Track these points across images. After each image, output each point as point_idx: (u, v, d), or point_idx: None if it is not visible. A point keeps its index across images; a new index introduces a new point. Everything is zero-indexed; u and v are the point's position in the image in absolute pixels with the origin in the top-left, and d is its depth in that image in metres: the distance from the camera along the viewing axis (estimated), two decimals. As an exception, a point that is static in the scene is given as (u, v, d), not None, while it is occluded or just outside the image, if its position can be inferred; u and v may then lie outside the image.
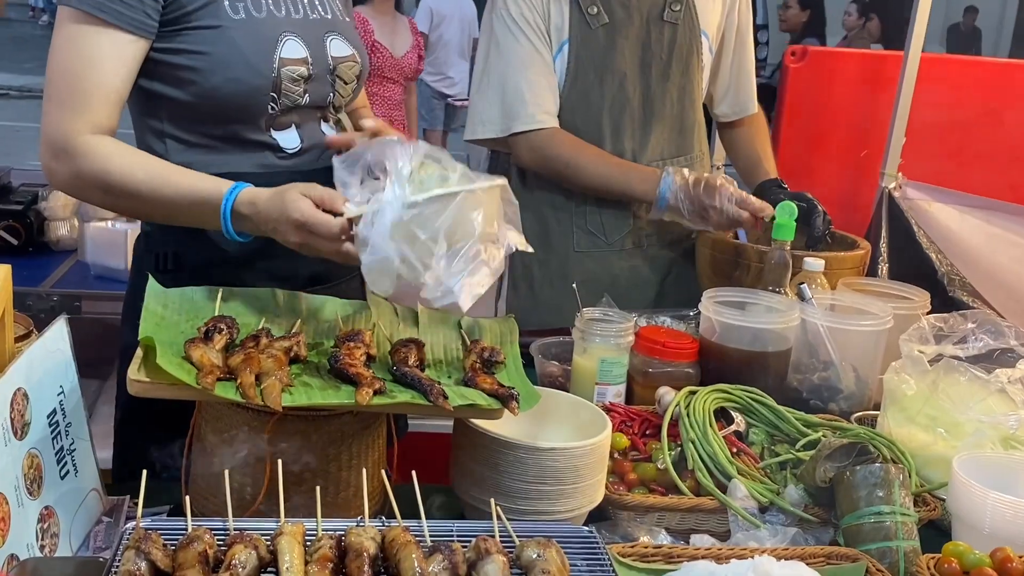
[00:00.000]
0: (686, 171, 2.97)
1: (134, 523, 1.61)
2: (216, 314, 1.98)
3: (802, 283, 2.66)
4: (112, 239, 4.09)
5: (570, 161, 3.08)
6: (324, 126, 2.35)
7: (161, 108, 2.21)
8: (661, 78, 3.13)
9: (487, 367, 2.01)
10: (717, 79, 3.36)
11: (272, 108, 2.20)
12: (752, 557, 1.77)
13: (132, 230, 3.87)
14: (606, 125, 3.12)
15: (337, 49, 2.32)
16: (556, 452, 1.91)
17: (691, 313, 2.79)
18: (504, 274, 3.41)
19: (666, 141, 3.15)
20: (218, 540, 1.58)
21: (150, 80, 2.17)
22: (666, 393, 2.34)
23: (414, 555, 1.56)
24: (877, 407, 2.48)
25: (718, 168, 4.49)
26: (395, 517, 1.71)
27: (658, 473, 2.15)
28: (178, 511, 1.86)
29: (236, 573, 1.51)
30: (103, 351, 2.36)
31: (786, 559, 1.79)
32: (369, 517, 1.71)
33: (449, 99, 10.21)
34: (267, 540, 1.58)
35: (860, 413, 2.51)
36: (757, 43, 3.48)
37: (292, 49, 2.20)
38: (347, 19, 2.41)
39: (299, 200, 1.92)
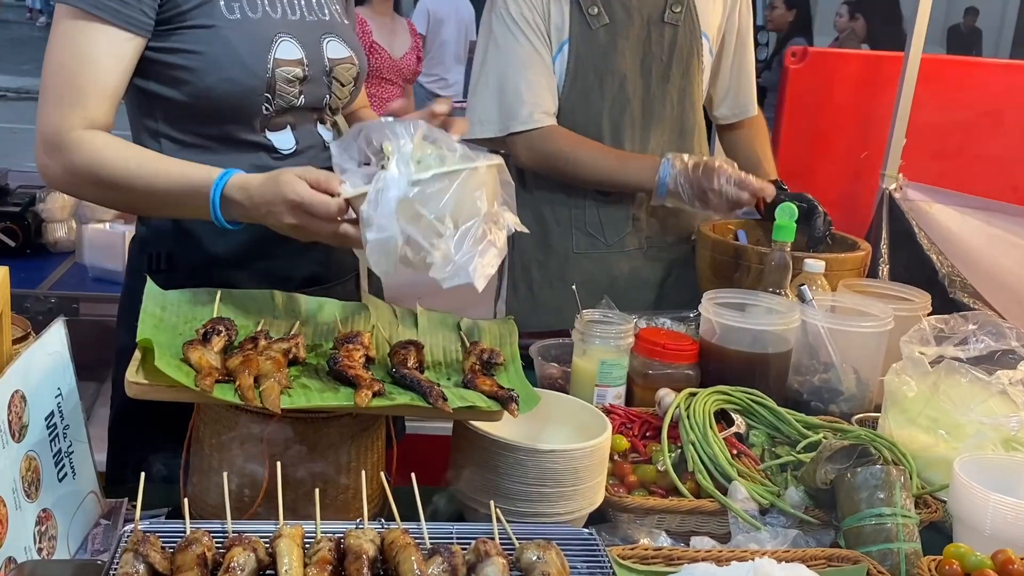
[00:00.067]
0: (685, 156, 2.97)
1: (132, 526, 1.61)
2: (214, 316, 1.97)
3: (802, 284, 2.65)
4: (110, 241, 4.09)
5: (569, 156, 3.07)
6: (320, 128, 2.35)
7: (156, 108, 2.21)
8: (661, 80, 3.13)
9: (487, 369, 2.01)
10: (717, 81, 3.36)
11: (267, 109, 2.20)
12: (753, 559, 1.77)
13: (130, 232, 3.84)
14: (606, 126, 3.12)
15: (334, 51, 2.32)
16: (556, 454, 1.90)
17: (691, 315, 2.79)
18: (503, 276, 3.41)
19: (666, 143, 3.15)
20: (217, 542, 1.58)
21: (145, 79, 2.17)
22: (666, 395, 2.34)
23: (413, 557, 1.56)
24: (878, 409, 2.48)
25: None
26: (394, 519, 1.70)
27: (658, 475, 2.14)
28: (176, 514, 1.85)
29: (235, 576, 1.51)
30: (101, 353, 2.36)
31: (787, 561, 1.79)
32: (368, 519, 1.71)
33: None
34: (266, 542, 1.58)
35: (861, 415, 2.51)
36: (757, 44, 3.48)
37: (287, 50, 2.20)
38: (346, 21, 2.41)
39: (295, 181, 1.89)
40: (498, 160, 1.97)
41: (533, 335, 2.72)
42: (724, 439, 2.19)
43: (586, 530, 1.81)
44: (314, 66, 2.25)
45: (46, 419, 1.77)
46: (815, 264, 2.71)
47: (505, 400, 1.87)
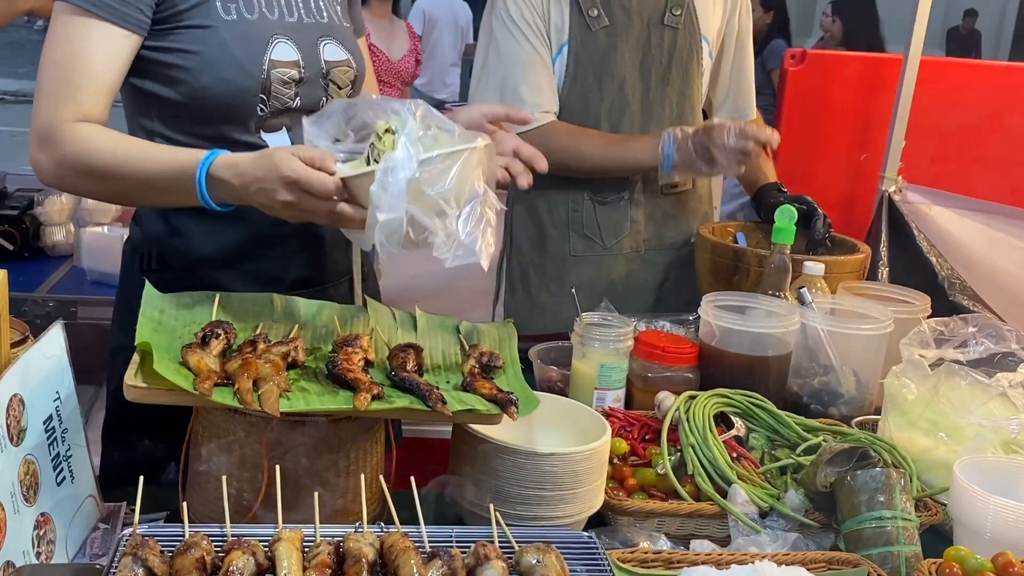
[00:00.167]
0: (685, 127, 2.98)
1: (131, 529, 1.61)
2: (213, 319, 1.97)
3: (802, 287, 2.65)
4: (108, 244, 4.08)
5: (570, 150, 3.06)
6: None
7: (152, 107, 2.21)
8: (661, 82, 3.12)
9: (486, 372, 2.00)
10: (717, 84, 3.36)
11: (261, 110, 2.20)
12: (752, 562, 1.77)
13: (127, 235, 3.86)
14: (604, 128, 3.11)
15: (331, 53, 2.32)
16: (555, 457, 1.90)
17: (690, 318, 2.78)
18: (501, 279, 3.41)
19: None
20: (216, 546, 1.57)
21: (142, 79, 2.18)
22: (665, 398, 2.33)
23: (413, 561, 1.55)
24: (878, 411, 2.48)
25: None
26: (393, 523, 1.70)
27: (658, 478, 2.14)
28: (175, 518, 1.85)
29: (233, 580, 1.50)
30: (99, 357, 2.35)
31: (787, 564, 1.79)
32: (367, 523, 1.71)
33: (446, 105, 10.20)
34: (265, 546, 1.58)
35: (861, 418, 2.51)
36: (755, 46, 3.48)
37: (283, 51, 2.20)
38: (345, 24, 2.41)
39: (290, 158, 1.86)
40: (487, 139, 1.97)
41: (532, 338, 2.71)
42: (724, 442, 2.19)
43: (586, 533, 1.81)
44: (310, 68, 2.25)
45: (44, 423, 1.77)
46: (815, 267, 2.71)
47: (504, 403, 1.87)
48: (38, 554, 1.68)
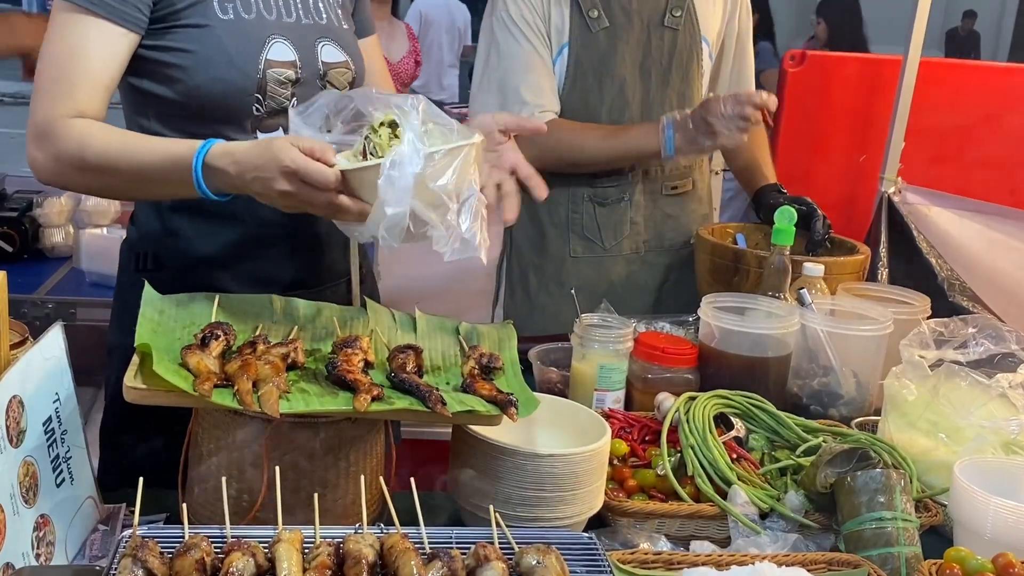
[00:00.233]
0: (683, 110, 2.99)
1: (131, 531, 1.60)
2: (212, 320, 1.97)
3: (802, 288, 2.65)
4: (107, 246, 4.07)
5: (572, 144, 3.06)
6: None
7: (149, 106, 2.22)
8: (661, 84, 3.12)
9: (486, 373, 2.00)
10: (716, 85, 3.36)
11: (257, 110, 2.20)
12: (753, 563, 1.77)
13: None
14: (604, 130, 3.11)
15: (329, 55, 2.32)
16: (555, 458, 1.90)
17: (690, 319, 2.78)
18: (501, 280, 3.41)
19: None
20: (216, 548, 1.57)
21: (139, 78, 2.19)
22: (665, 399, 2.33)
23: (413, 562, 1.55)
24: (878, 412, 2.48)
25: (716, 174, 4.48)
26: (393, 524, 1.70)
27: (657, 479, 2.14)
28: (175, 519, 1.85)
29: (233, 581, 1.50)
30: (98, 358, 2.36)
31: (787, 565, 1.79)
32: (367, 524, 1.70)
33: (444, 107, 10.17)
34: (265, 547, 1.57)
35: (861, 419, 2.51)
36: (755, 48, 3.48)
37: (279, 52, 2.21)
38: (346, 26, 2.41)
39: (289, 148, 1.85)
40: (483, 136, 1.99)
41: (531, 339, 2.71)
42: (723, 443, 2.18)
43: (586, 534, 1.81)
44: (307, 69, 2.26)
45: (44, 424, 1.77)
46: (814, 268, 2.71)
47: (504, 404, 1.86)
48: (38, 556, 1.68)
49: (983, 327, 2.47)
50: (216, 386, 1.75)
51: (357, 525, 1.70)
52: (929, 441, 2.26)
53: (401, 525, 1.69)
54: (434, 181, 1.84)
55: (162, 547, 1.55)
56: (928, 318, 2.68)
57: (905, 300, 2.82)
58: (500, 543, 1.68)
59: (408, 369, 1.93)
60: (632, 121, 3.11)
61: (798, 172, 4.73)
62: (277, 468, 1.72)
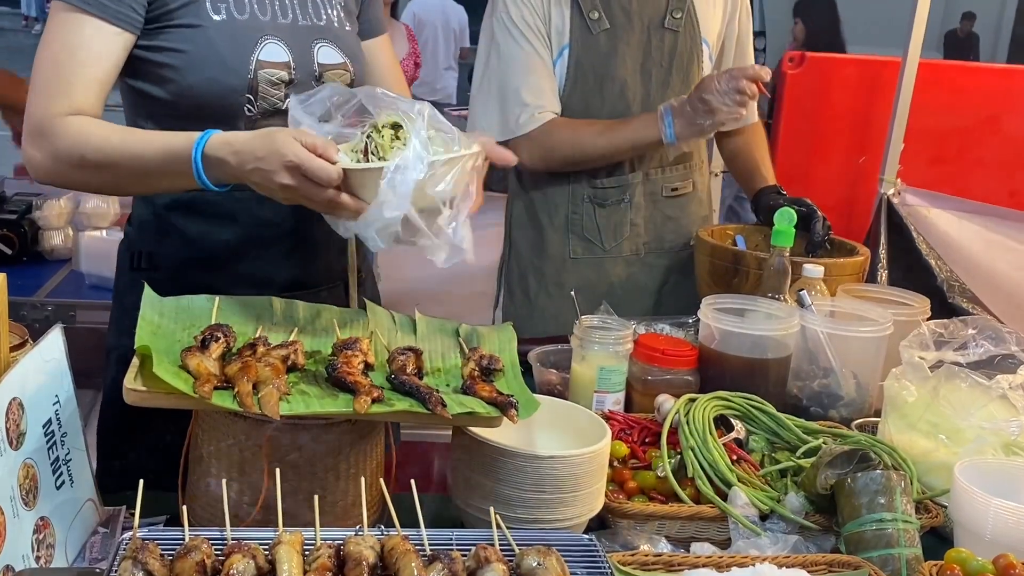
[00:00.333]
0: (680, 96, 3.00)
1: (131, 533, 1.60)
2: (212, 322, 1.96)
3: (801, 289, 2.65)
4: (106, 248, 4.06)
5: (572, 141, 3.07)
6: None
7: (144, 107, 2.24)
8: (661, 85, 3.12)
9: (486, 375, 2.00)
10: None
11: (249, 110, 2.21)
12: (753, 565, 1.77)
13: (124, 237, 3.87)
14: (605, 131, 3.11)
15: (326, 56, 2.32)
16: (555, 460, 1.89)
17: (690, 320, 2.78)
18: (500, 282, 3.41)
19: (665, 148, 3.14)
20: (216, 550, 1.57)
21: (135, 79, 2.21)
22: (665, 400, 2.33)
23: (413, 564, 1.55)
24: (878, 414, 2.48)
25: (716, 175, 4.49)
26: (394, 526, 1.70)
27: (658, 481, 2.13)
28: (175, 521, 1.85)
29: (234, 583, 1.50)
30: (98, 361, 2.36)
31: (787, 567, 1.79)
32: (368, 526, 1.70)
33: (443, 110, 10.16)
34: (265, 550, 1.57)
35: (861, 420, 2.50)
36: (756, 50, 3.48)
37: (272, 52, 2.21)
38: (347, 27, 2.40)
39: (292, 142, 1.86)
40: (482, 146, 2.01)
41: (531, 341, 2.71)
42: (724, 445, 2.18)
43: (586, 536, 1.81)
44: (302, 70, 2.26)
45: (44, 427, 1.76)
46: (814, 269, 2.71)
47: (504, 406, 1.86)
48: (37, 558, 1.68)
49: (983, 328, 2.47)
50: (216, 388, 1.75)
51: (357, 527, 1.70)
52: (929, 442, 2.26)
53: (401, 527, 1.69)
54: (432, 187, 1.87)
55: (162, 549, 1.55)
56: (928, 319, 2.68)
57: (905, 301, 2.82)
58: (501, 545, 1.68)
59: (408, 371, 1.93)
60: (633, 123, 3.11)
61: (797, 173, 4.74)
62: (277, 470, 1.72)
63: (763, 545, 1.95)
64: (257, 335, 1.97)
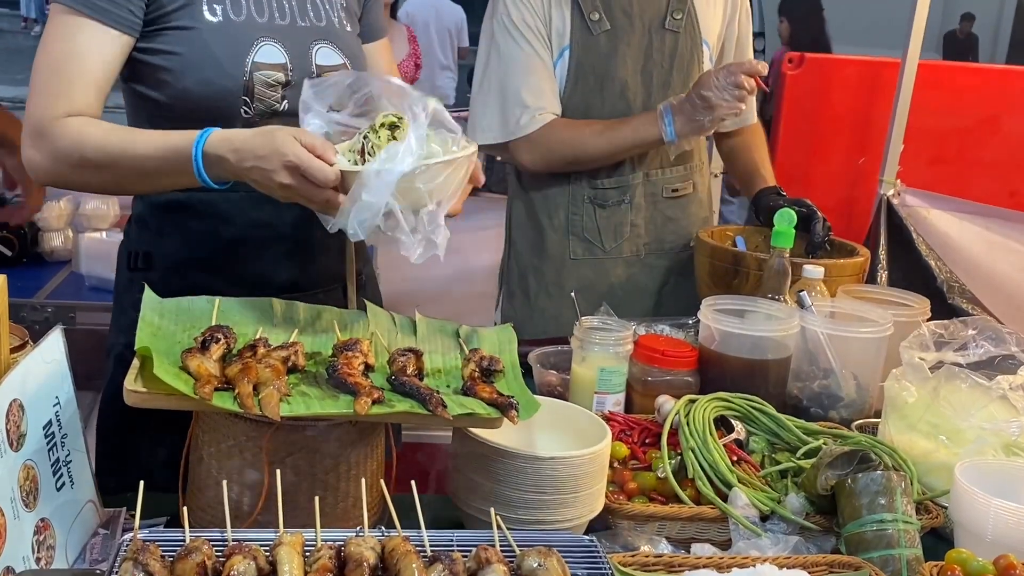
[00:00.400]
0: (679, 95, 3.01)
1: (131, 534, 1.60)
2: (213, 324, 1.96)
3: (801, 290, 2.65)
4: (106, 250, 4.07)
5: (572, 143, 3.07)
6: None
7: (143, 109, 2.24)
8: (662, 86, 3.12)
9: (486, 376, 2.00)
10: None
11: (246, 112, 2.20)
12: (754, 566, 1.77)
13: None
14: (606, 133, 3.11)
15: (324, 58, 2.31)
16: (556, 461, 1.90)
17: (690, 321, 2.78)
18: (500, 283, 3.41)
19: (665, 150, 3.14)
20: (216, 551, 1.57)
21: (134, 81, 2.22)
22: (665, 402, 2.33)
23: (414, 565, 1.55)
24: (878, 415, 2.48)
25: (716, 176, 4.48)
26: (395, 527, 1.70)
27: (658, 482, 2.13)
28: (175, 523, 1.84)
29: (234, 584, 1.50)
30: (98, 362, 2.36)
31: (788, 568, 1.79)
32: (368, 527, 1.70)
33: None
34: (266, 551, 1.57)
35: (861, 421, 2.51)
36: (755, 51, 3.48)
37: (268, 54, 2.21)
38: (348, 28, 2.40)
39: (293, 142, 1.88)
40: (476, 147, 2.03)
41: (531, 342, 2.71)
42: (724, 445, 2.18)
43: (587, 537, 1.81)
44: (299, 72, 2.25)
45: (44, 428, 1.76)
46: (814, 270, 2.71)
47: (505, 407, 1.86)
48: (38, 560, 1.68)
49: (983, 329, 2.48)
50: (217, 389, 1.75)
51: (358, 528, 1.70)
52: (930, 443, 2.26)
53: (402, 528, 1.69)
54: (423, 183, 1.88)
55: (163, 551, 1.55)
56: (928, 320, 2.68)
57: (905, 302, 2.82)
58: (501, 546, 1.68)
59: (408, 372, 1.93)
60: (634, 124, 3.12)
61: (797, 174, 4.75)
62: (278, 471, 1.72)
63: (764, 546, 1.95)
64: (257, 336, 1.97)
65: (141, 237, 2.34)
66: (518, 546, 1.68)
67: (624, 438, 2.28)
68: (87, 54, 2.09)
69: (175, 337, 1.93)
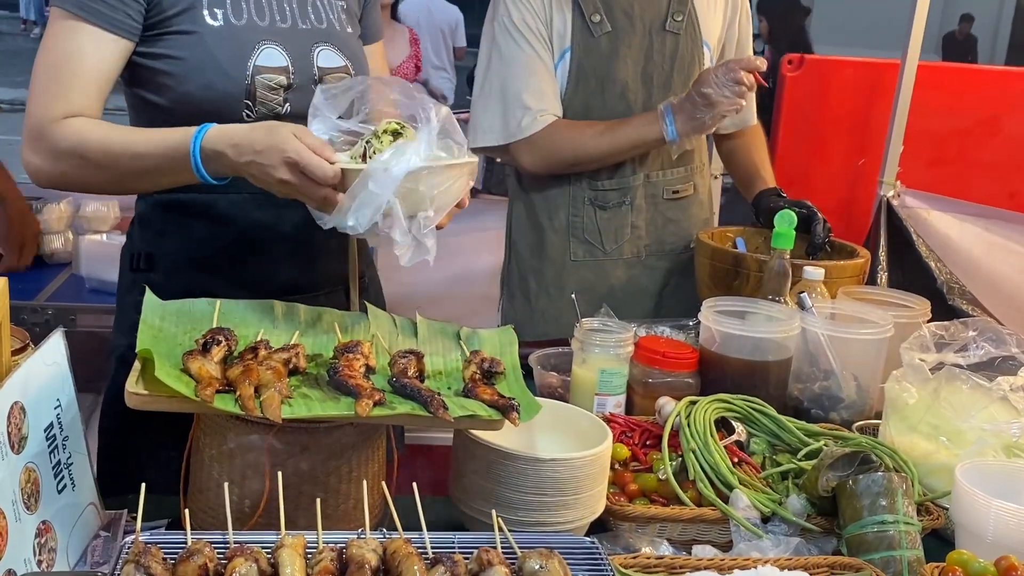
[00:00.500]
0: (679, 95, 3.01)
1: (133, 537, 1.60)
2: (214, 326, 1.96)
3: (802, 292, 2.65)
4: (107, 252, 4.07)
5: (573, 144, 3.07)
6: None
7: (145, 112, 2.24)
8: (663, 88, 3.12)
9: (487, 378, 2.00)
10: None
11: (248, 116, 2.20)
12: (755, 567, 1.77)
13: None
14: (606, 134, 3.11)
15: (326, 60, 2.31)
16: (557, 463, 1.90)
17: (691, 323, 2.78)
18: (501, 285, 3.41)
19: (666, 151, 3.14)
20: (218, 553, 1.57)
21: (135, 86, 2.22)
22: (666, 403, 2.33)
23: (416, 567, 1.55)
24: (878, 416, 2.48)
25: (716, 178, 4.48)
26: (396, 529, 1.70)
27: (659, 484, 2.14)
28: (176, 525, 1.84)
29: (236, 587, 1.50)
30: (99, 364, 2.36)
31: (789, 569, 1.79)
32: (370, 529, 1.70)
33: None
34: (268, 553, 1.57)
35: (861, 422, 2.51)
36: (755, 52, 3.48)
37: (270, 57, 2.21)
38: (348, 30, 2.40)
39: (293, 139, 1.89)
40: (476, 158, 2.06)
41: (531, 344, 2.71)
42: (725, 447, 2.19)
43: (588, 539, 1.81)
44: (301, 74, 2.25)
45: (45, 430, 1.76)
46: (814, 271, 2.71)
47: (506, 409, 1.86)
48: (39, 562, 1.68)
49: (983, 330, 2.48)
50: (218, 391, 1.75)
51: (360, 530, 1.70)
52: (930, 444, 2.26)
53: (403, 530, 1.69)
54: (426, 187, 1.89)
55: (164, 553, 1.55)
56: (928, 321, 2.68)
57: (905, 304, 2.82)
58: (503, 548, 1.68)
59: (410, 374, 1.93)
60: (634, 125, 3.12)
61: (797, 175, 4.75)
62: (279, 473, 1.72)
63: (765, 547, 1.95)
64: (259, 338, 1.97)
65: (143, 238, 2.35)
66: (519, 548, 1.69)
67: (625, 440, 2.28)
68: (86, 57, 2.10)
69: (176, 339, 1.93)
